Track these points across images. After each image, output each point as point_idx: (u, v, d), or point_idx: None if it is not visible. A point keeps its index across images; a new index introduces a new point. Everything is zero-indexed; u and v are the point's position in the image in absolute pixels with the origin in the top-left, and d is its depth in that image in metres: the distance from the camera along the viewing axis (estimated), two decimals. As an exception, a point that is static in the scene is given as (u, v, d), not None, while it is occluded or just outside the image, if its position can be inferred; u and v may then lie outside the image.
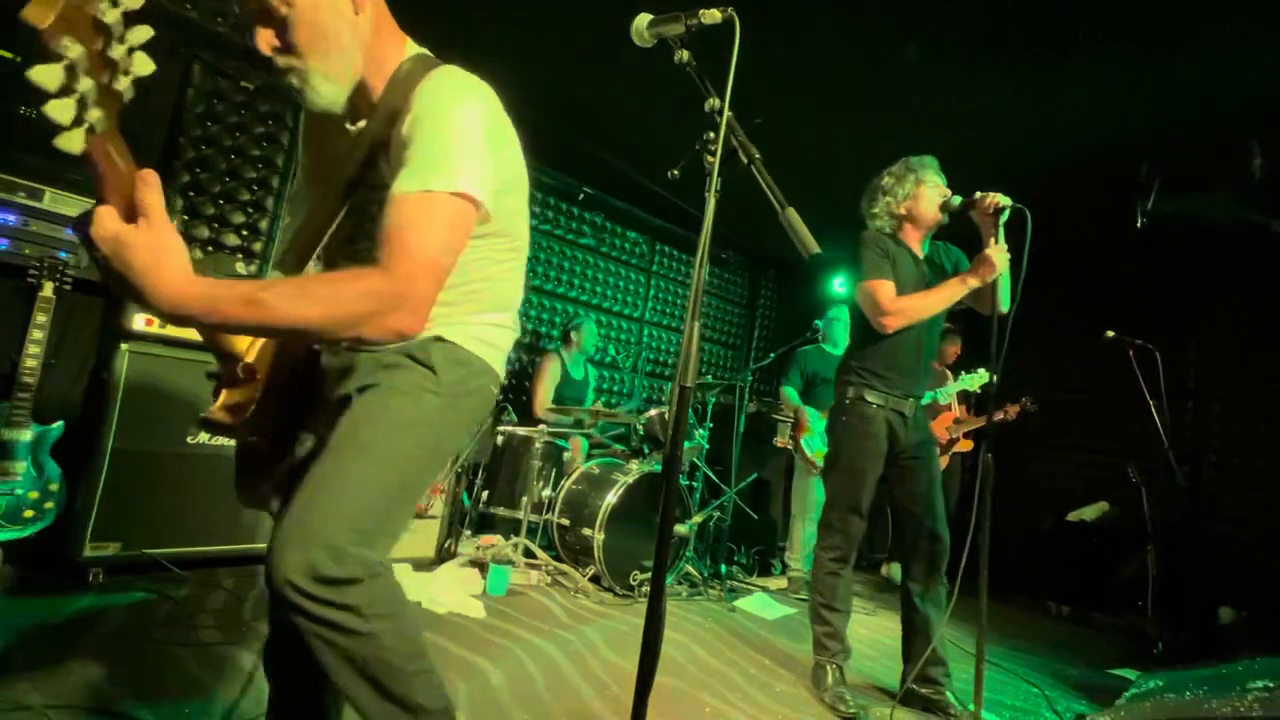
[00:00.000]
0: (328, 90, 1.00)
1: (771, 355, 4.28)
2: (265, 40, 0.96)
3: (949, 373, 3.96)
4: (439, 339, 1.07)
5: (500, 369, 1.19)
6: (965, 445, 4.03)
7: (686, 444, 3.68)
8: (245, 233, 3.13)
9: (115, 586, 2.18)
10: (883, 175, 2.35)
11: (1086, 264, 4.67)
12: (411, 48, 1.09)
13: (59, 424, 2.19)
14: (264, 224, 3.16)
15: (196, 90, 2.92)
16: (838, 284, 5.65)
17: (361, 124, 1.06)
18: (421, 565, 2.92)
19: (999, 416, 3.83)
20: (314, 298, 0.86)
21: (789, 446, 4.40)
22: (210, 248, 3.01)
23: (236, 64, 3.03)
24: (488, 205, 0.99)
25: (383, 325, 0.89)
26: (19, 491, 2.06)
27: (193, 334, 2.34)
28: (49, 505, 2.12)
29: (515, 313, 1.24)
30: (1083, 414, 4.75)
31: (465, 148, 0.96)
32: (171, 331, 2.34)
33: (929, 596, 2.20)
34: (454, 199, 0.94)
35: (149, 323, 2.30)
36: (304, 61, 0.97)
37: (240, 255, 3.08)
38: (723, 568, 3.62)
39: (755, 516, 4.16)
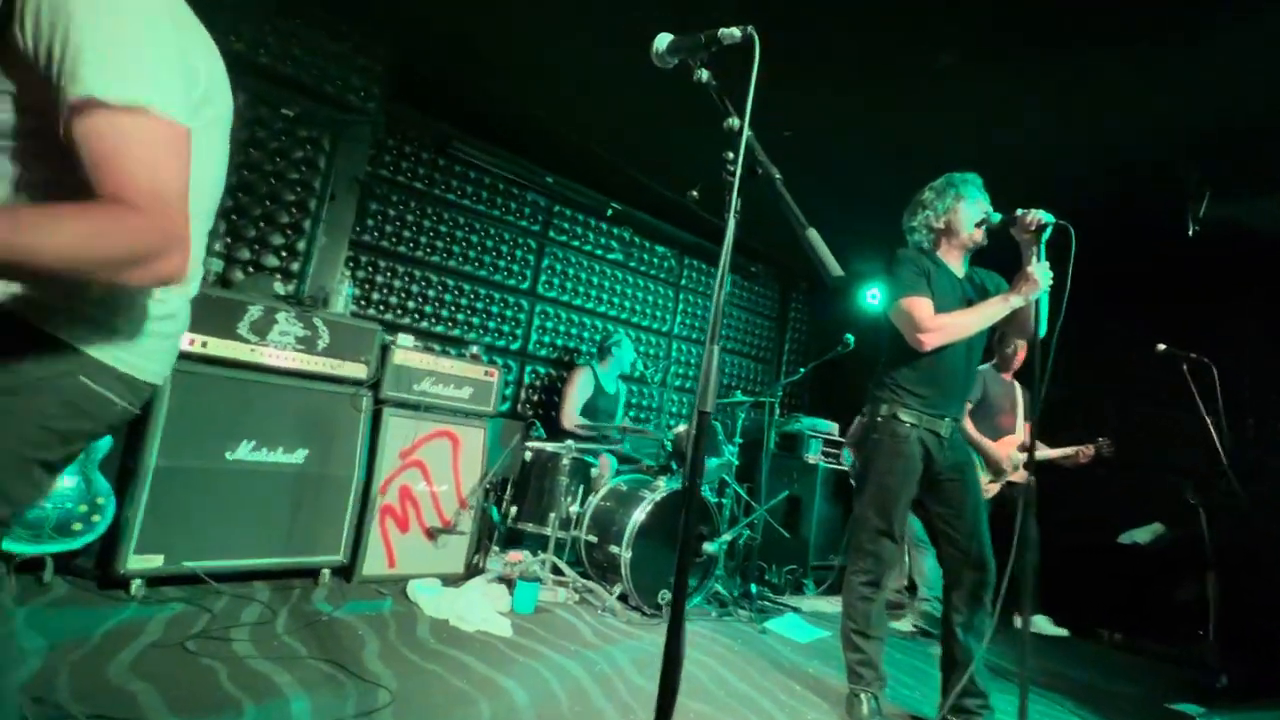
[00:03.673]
0: None
1: (802, 370, 4.21)
2: None
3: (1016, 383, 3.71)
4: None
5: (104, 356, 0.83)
6: (1018, 475, 3.75)
7: (715, 460, 3.64)
8: (284, 254, 3.24)
9: (155, 598, 2.25)
10: (925, 189, 2.31)
11: (1135, 274, 4.48)
12: None
13: (107, 440, 2.27)
14: (301, 245, 3.27)
15: (240, 117, 3.04)
16: (871, 296, 5.55)
17: None
18: (449, 580, 2.95)
19: (1060, 454, 3.56)
20: (70, 229, 0.66)
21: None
22: (251, 269, 3.13)
23: (278, 91, 3.16)
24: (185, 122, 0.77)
25: (156, 271, 0.72)
26: (68, 505, 2.15)
27: (233, 352, 2.45)
28: (96, 519, 2.21)
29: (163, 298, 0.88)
30: (1135, 431, 4.52)
31: (136, 34, 0.73)
32: (213, 351, 2.44)
33: (972, 628, 2.11)
34: (150, 118, 0.72)
35: (191, 342, 2.39)
36: None
37: (280, 275, 3.18)
38: (753, 587, 3.54)
39: (787, 535, 4.07)
